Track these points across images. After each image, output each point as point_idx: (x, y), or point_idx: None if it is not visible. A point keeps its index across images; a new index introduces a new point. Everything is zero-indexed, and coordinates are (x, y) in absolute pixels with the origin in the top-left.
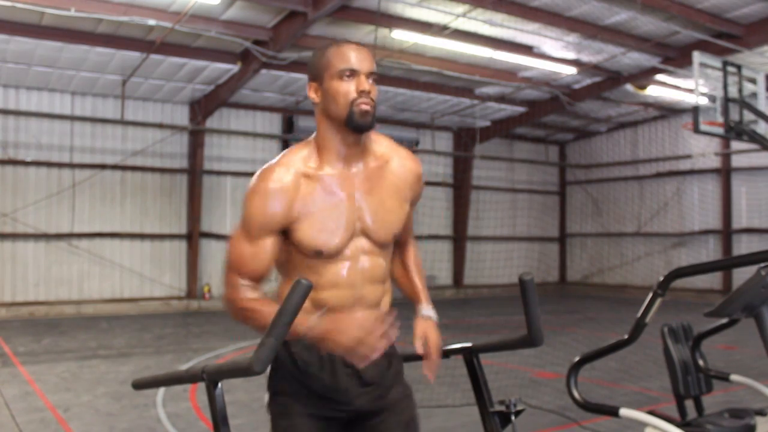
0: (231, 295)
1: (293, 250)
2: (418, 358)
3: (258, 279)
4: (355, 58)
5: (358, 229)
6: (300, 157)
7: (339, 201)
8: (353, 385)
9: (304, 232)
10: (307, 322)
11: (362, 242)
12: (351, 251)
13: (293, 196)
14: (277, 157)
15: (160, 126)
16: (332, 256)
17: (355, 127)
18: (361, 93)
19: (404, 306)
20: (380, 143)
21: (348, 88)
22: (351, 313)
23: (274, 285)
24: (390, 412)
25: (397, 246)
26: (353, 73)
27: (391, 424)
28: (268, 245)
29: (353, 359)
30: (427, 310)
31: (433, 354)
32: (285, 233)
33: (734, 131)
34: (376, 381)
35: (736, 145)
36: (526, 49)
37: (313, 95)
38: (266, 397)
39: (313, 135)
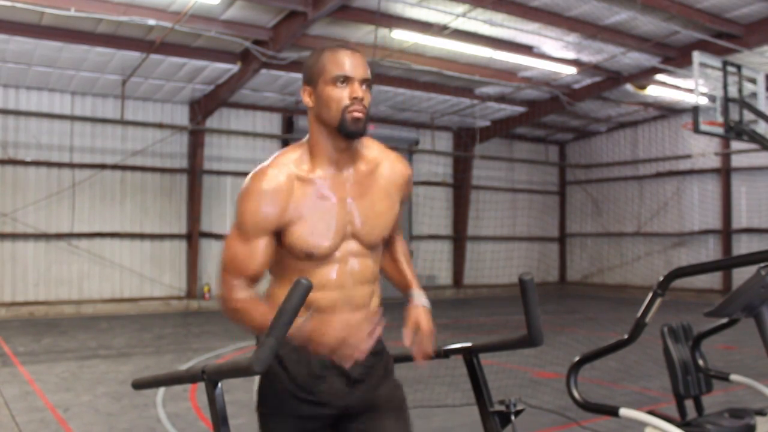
0: (224, 294)
1: (284, 253)
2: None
3: (252, 279)
4: (349, 64)
5: (349, 233)
6: (292, 160)
7: (330, 205)
8: (341, 385)
9: (297, 234)
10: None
11: (352, 245)
12: (341, 254)
13: (287, 198)
14: (269, 159)
15: (160, 126)
16: (323, 258)
17: (347, 134)
18: (354, 100)
19: (395, 306)
20: (371, 147)
21: (341, 95)
22: (339, 314)
23: (265, 286)
24: (379, 409)
25: (385, 242)
26: (347, 80)
27: (381, 419)
28: (262, 245)
29: (339, 359)
30: (418, 296)
31: (424, 341)
32: (277, 235)
33: (734, 131)
34: (364, 380)
35: (736, 145)
36: (526, 49)
37: (307, 99)
38: (255, 398)
39: (306, 138)
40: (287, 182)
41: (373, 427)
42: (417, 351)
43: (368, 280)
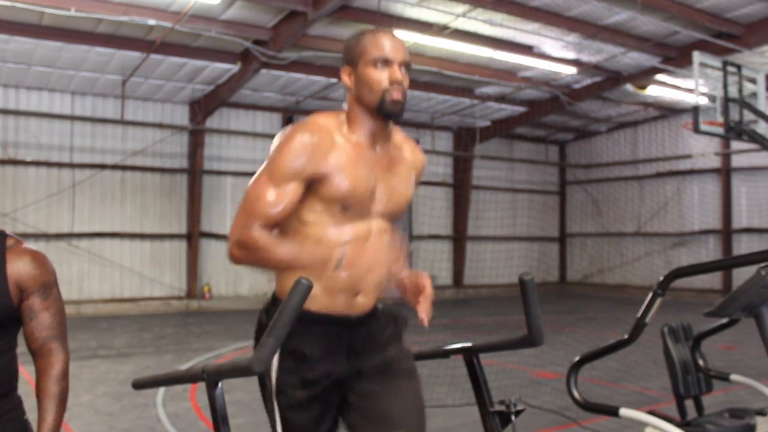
0: (244, 236)
1: (310, 219)
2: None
3: (271, 224)
4: (389, 47)
5: (374, 209)
6: (335, 121)
7: (367, 169)
8: (347, 347)
9: (339, 181)
10: (330, 266)
11: (375, 222)
12: (364, 230)
13: (327, 149)
14: (311, 117)
15: (160, 126)
16: (355, 214)
17: (386, 115)
18: (394, 83)
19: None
20: (396, 132)
21: (381, 77)
22: (357, 293)
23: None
24: (390, 370)
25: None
26: (387, 62)
27: (393, 379)
28: (292, 193)
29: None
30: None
31: (429, 301)
32: (310, 189)
33: (734, 131)
34: (372, 344)
35: (736, 145)
36: (526, 49)
37: (347, 79)
38: (272, 386)
39: (344, 108)
40: (329, 137)
41: (386, 387)
42: (424, 312)
43: (386, 260)
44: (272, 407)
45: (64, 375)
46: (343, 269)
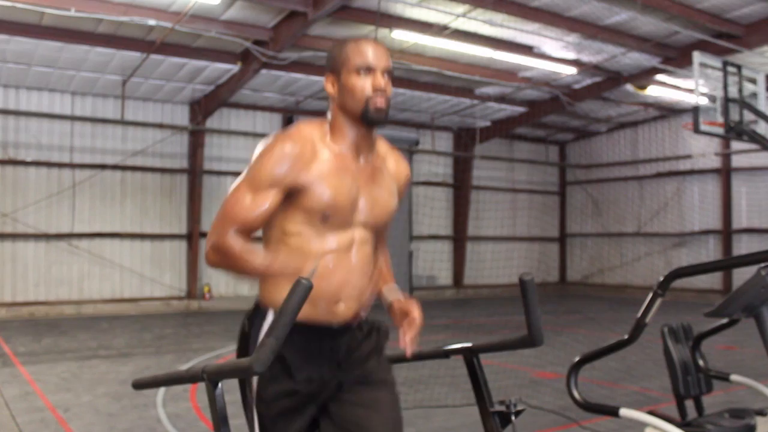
0: (220, 240)
1: (293, 229)
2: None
3: (248, 231)
4: (372, 55)
5: (356, 219)
6: (318, 131)
7: (349, 179)
8: (332, 365)
9: (319, 192)
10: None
11: (358, 232)
12: (346, 240)
13: (309, 160)
14: (295, 125)
15: (160, 126)
16: (336, 224)
17: (370, 122)
18: (377, 90)
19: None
20: (380, 142)
21: (364, 84)
22: (337, 302)
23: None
24: (370, 381)
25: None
26: (370, 70)
27: (372, 390)
28: (270, 200)
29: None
30: (396, 290)
31: (414, 319)
32: (292, 199)
33: (734, 131)
34: (354, 355)
35: (736, 145)
36: (526, 49)
37: (330, 88)
38: (252, 395)
39: (328, 117)
40: (311, 147)
41: (364, 397)
42: (408, 340)
43: (368, 268)
44: (252, 415)
45: None
46: (323, 278)
